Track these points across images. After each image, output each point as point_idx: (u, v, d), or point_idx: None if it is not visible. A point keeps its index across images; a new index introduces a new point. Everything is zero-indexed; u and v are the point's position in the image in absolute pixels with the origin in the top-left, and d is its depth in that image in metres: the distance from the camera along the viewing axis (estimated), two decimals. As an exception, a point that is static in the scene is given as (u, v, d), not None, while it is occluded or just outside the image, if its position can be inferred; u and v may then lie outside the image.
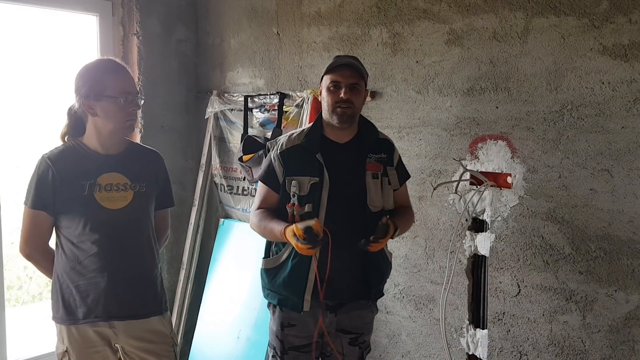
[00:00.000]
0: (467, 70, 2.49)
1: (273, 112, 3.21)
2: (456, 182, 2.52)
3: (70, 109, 2.12)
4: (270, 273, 2.22)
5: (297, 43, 3.13)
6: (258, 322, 3.09)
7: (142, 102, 2.13)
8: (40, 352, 3.27)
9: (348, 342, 2.24)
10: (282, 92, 3.16)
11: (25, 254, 2.13)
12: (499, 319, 2.47)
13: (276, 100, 3.17)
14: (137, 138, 3.41)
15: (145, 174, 2.18)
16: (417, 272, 2.72)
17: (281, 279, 2.17)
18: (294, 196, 2.14)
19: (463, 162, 2.52)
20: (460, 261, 2.56)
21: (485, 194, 2.47)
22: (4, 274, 3.05)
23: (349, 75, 2.13)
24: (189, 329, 3.57)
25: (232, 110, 3.47)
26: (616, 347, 2.18)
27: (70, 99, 2.09)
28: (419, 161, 2.68)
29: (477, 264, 2.58)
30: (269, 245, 2.27)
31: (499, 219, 2.44)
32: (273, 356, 2.26)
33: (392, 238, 2.12)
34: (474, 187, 2.49)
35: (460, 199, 2.55)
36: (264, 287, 2.27)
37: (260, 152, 3.08)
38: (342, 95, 2.11)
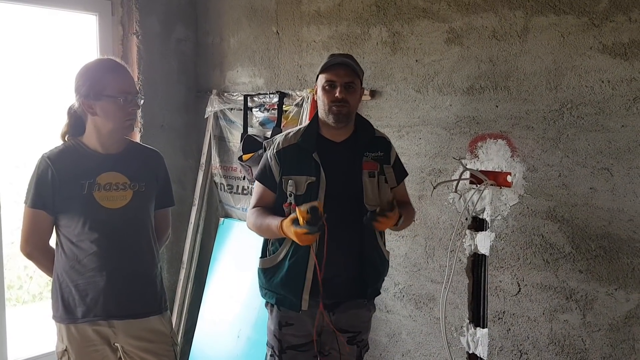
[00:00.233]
0: (466, 69, 2.49)
1: (273, 111, 3.21)
2: (456, 181, 2.51)
3: (70, 109, 2.12)
4: (267, 272, 2.22)
5: (296, 42, 3.13)
6: (258, 321, 3.09)
7: (142, 101, 2.13)
8: (41, 352, 3.28)
9: (346, 341, 2.24)
10: (282, 91, 3.16)
11: (25, 253, 2.13)
12: (499, 318, 2.47)
13: (276, 99, 3.17)
14: (137, 137, 3.41)
15: (145, 174, 2.18)
16: (417, 271, 2.72)
17: (279, 279, 2.17)
18: (290, 195, 2.13)
19: (463, 161, 2.52)
20: (460, 260, 2.56)
21: (485, 192, 2.47)
22: (5, 273, 3.05)
23: (344, 74, 2.13)
24: (189, 328, 3.58)
25: (231, 109, 3.47)
26: (616, 346, 2.18)
27: (70, 99, 2.10)
28: (418, 160, 2.68)
29: (477, 262, 2.58)
30: (265, 245, 2.27)
31: (499, 217, 2.44)
32: (271, 355, 2.26)
33: (396, 225, 2.12)
34: (474, 186, 2.49)
35: (460, 198, 2.55)
36: (261, 287, 2.27)
37: (260, 151, 3.08)
38: (337, 94, 2.11)
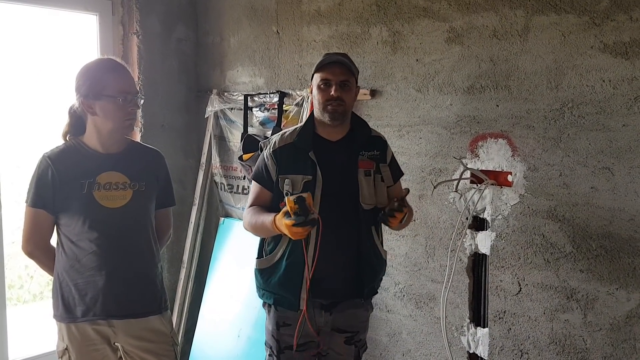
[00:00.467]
0: (467, 69, 2.49)
1: (273, 110, 3.20)
2: (457, 181, 2.51)
3: (71, 108, 2.12)
4: (264, 273, 2.21)
5: (296, 42, 3.13)
6: (259, 320, 3.09)
7: (142, 101, 2.13)
8: (42, 351, 3.28)
9: (344, 341, 2.24)
10: (282, 90, 3.16)
11: (27, 252, 2.14)
12: (499, 318, 2.46)
13: (276, 99, 3.16)
14: (138, 137, 3.41)
15: (145, 173, 2.18)
16: (417, 271, 2.72)
17: (276, 279, 2.16)
18: (287, 195, 2.13)
19: (463, 160, 2.52)
20: (460, 260, 2.56)
21: (485, 192, 2.47)
22: (5, 273, 3.05)
23: (339, 72, 2.13)
24: (189, 327, 3.58)
25: (232, 109, 3.47)
26: (617, 346, 2.17)
27: (71, 98, 2.10)
28: (419, 160, 2.67)
29: (477, 262, 2.57)
30: (262, 245, 2.26)
31: (500, 217, 2.44)
32: (270, 355, 2.26)
33: (401, 222, 2.11)
34: (475, 185, 2.49)
35: (460, 198, 2.55)
36: (258, 287, 2.27)
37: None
38: (332, 92, 2.11)
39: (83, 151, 2.09)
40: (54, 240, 2.16)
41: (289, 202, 1.92)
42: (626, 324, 2.15)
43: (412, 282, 2.74)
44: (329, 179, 2.14)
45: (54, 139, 2.17)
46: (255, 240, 2.31)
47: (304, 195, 1.92)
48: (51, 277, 2.17)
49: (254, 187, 2.27)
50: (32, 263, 2.21)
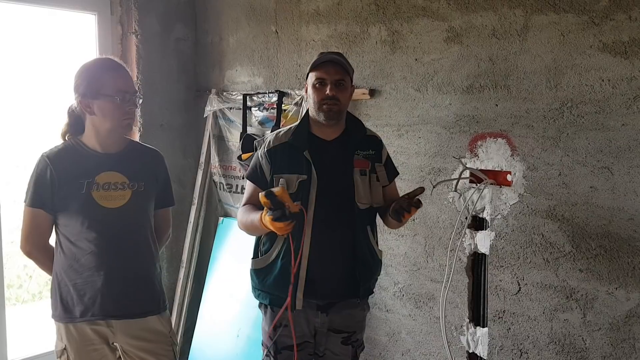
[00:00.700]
0: (466, 68, 2.49)
1: (272, 110, 3.20)
2: (456, 180, 2.51)
3: (69, 108, 2.12)
4: (260, 273, 2.21)
5: (295, 41, 3.13)
6: (258, 320, 3.07)
7: (140, 101, 2.13)
8: (41, 351, 3.27)
9: (340, 341, 2.24)
10: (281, 90, 3.16)
11: (25, 252, 2.13)
12: (499, 317, 2.46)
13: (275, 98, 3.16)
14: (137, 137, 3.41)
15: (144, 173, 2.17)
16: (417, 270, 2.72)
17: (272, 279, 2.16)
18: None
19: (463, 160, 2.52)
20: (460, 259, 2.55)
21: (485, 191, 2.46)
22: (4, 272, 3.05)
23: (334, 71, 2.12)
24: (188, 327, 3.58)
25: (231, 108, 3.47)
26: (617, 345, 2.17)
27: (70, 98, 2.09)
28: (418, 159, 2.67)
29: (477, 262, 2.57)
30: (257, 245, 2.26)
31: (499, 216, 2.44)
32: (267, 356, 2.25)
33: (400, 222, 2.10)
34: (474, 185, 2.49)
35: (460, 197, 2.54)
36: (254, 288, 2.26)
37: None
38: (327, 92, 2.11)
39: (82, 151, 2.09)
40: (52, 240, 2.15)
41: (261, 197, 1.91)
42: (625, 323, 2.15)
43: (412, 281, 2.74)
44: (324, 178, 2.14)
45: (53, 139, 2.16)
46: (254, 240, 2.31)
47: (274, 190, 1.91)
48: (50, 277, 2.17)
49: (248, 186, 2.26)
50: (31, 263, 2.20)
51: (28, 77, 5.03)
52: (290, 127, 2.25)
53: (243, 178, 3.42)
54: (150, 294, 2.17)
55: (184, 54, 3.64)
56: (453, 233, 2.54)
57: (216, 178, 3.63)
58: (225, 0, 3.48)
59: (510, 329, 2.44)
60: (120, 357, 2.15)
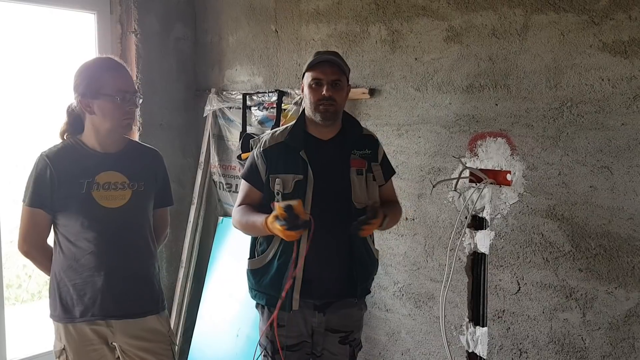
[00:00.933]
0: (466, 68, 2.49)
1: (272, 110, 3.20)
2: (455, 180, 2.51)
3: (69, 107, 2.12)
4: (256, 274, 2.21)
5: (295, 40, 3.12)
6: (257, 320, 3.08)
7: (140, 100, 2.12)
8: (40, 351, 3.27)
9: (338, 340, 2.24)
10: (281, 89, 3.15)
11: (23, 252, 2.13)
12: (498, 317, 2.46)
13: (275, 98, 3.16)
14: (136, 136, 3.40)
15: (144, 173, 2.17)
16: (416, 270, 2.72)
17: (268, 279, 2.16)
18: (278, 194, 2.13)
19: (462, 159, 2.52)
20: (459, 259, 2.55)
21: (484, 191, 2.46)
22: (3, 272, 3.05)
23: (330, 72, 2.12)
24: (188, 327, 3.57)
25: (230, 108, 3.47)
26: (616, 345, 2.17)
27: (69, 97, 2.09)
28: (418, 159, 2.67)
29: (476, 261, 2.57)
30: (253, 245, 2.26)
31: (499, 216, 2.43)
32: (264, 356, 2.25)
33: (381, 226, 2.12)
34: (474, 184, 2.49)
35: (459, 197, 2.54)
36: (251, 288, 2.26)
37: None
38: (324, 92, 2.10)
39: (81, 150, 2.08)
40: (50, 240, 2.15)
41: (278, 209, 1.94)
42: (625, 323, 2.15)
43: (411, 281, 2.74)
44: (320, 178, 2.14)
45: (52, 138, 2.16)
46: (254, 240, 2.31)
47: (293, 203, 1.94)
48: (48, 277, 2.17)
49: (243, 186, 2.26)
50: (30, 262, 2.20)
51: (27, 76, 5.03)
52: (287, 127, 2.25)
53: (242, 178, 3.41)
54: (150, 294, 2.17)
55: (183, 54, 3.64)
56: (453, 232, 2.54)
57: (216, 177, 3.63)
58: (225, -1, 3.49)
59: (509, 328, 2.43)
60: (119, 357, 2.15)
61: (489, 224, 2.48)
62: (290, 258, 2.11)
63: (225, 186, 3.56)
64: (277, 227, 1.96)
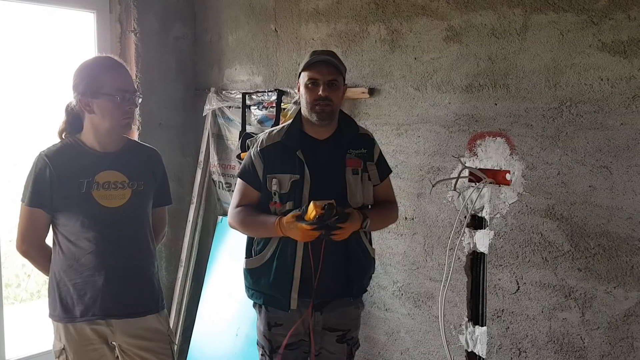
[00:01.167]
0: (465, 67, 2.49)
1: (271, 109, 3.20)
2: (455, 179, 2.51)
3: (68, 106, 2.11)
4: (254, 273, 2.21)
5: (295, 40, 3.12)
6: (256, 319, 3.09)
7: (140, 100, 2.12)
8: (39, 350, 3.27)
9: (335, 339, 2.24)
10: (280, 89, 3.15)
11: (22, 252, 2.13)
12: (498, 316, 2.47)
13: (274, 97, 3.16)
14: (135, 135, 3.40)
15: (143, 172, 2.17)
16: (415, 270, 2.72)
17: (266, 279, 2.16)
18: (275, 194, 2.13)
19: (462, 159, 2.52)
20: (459, 258, 2.55)
21: (484, 191, 2.47)
22: (2, 271, 3.04)
23: (326, 71, 2.11)
24: (187, 326, 3.57)
25: (230, 107, 3.46)
26: (615, 344, 2.18)
27: (68, 96, 2.09)
28: (417, 158, 2.67)
29: (476, 261, 2.57)
30: (250, 245, 2.26)
31: (498, 216, 2.44)
32: (262, 355, 2.26)
33: (362, 228, 2.12)
34: (473, 184, 2.49)
35: (459, 196, 2.54)
36: (247, 288, 2.27)
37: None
38: (320, 92, 2.10)
39: (81, 149, 2.08)
40: (49, 240, 2.15)
41: (315, 206, 1.94)
42: (624, 322, 2.15)
43: (411, 280, 2.74)
44: (316, 177, 2.14)
45: (51, 137, 2.16)
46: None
47: (333, 202, 1.96)
48: (47, 277, 2.16)
49: (240, 185, 2.25)
50: (28, 262, 2.19)
51: (26, 75, 5.02)
52: (283, 126, 2.25)
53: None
54: (150, 293, 2.17)
55: (183, 53, 3.64)
56: (452, 232, 2.54)
57: (215, 177, 3.62)
58: (224, -2, 3.48)
59: (509, 327, 2.44)
60: (118, 356, 2.15)
61: (488, 223, 2.48)
62: (288, 259, 2.12)
63: (224, 185, 3.56)
64: (297, 227, 1.98)
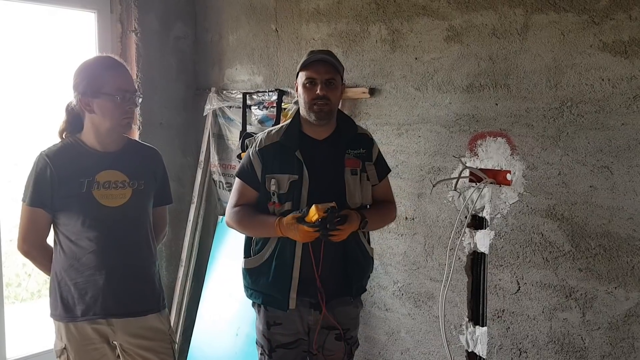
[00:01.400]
0: (466, 67, 2.49)
1: (272, 109, 3.20)
2: (455, 179, 2.51)
3: (68, 106, 2.11)
4: (252, 273, 2.21)
5: (295, 40, 3.12)
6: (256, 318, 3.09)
7: (140, 100, 2.12)
8: (39, 350, 3.27)
9: (334, 338, 2.24)
10: (281, 89, 3.15)
11: (23, 251, 2.13)
12: (498, 316, 2.46)
13: (275, 97, 3.16)
14: (136, 135, 3.40)
15: (143, 172, 2.17)
16: (416, 270, 2.72)
17: (265, 279, 2.17)
18: (273, 194, 2.13)
19: (462, 159, 2.52)
20: (459, 258, 2.55)
21: (484, 191, 2.46)
22: (3, 271, 3.04)
23: (324, 71, 2.11)
24: (187, 326, 3.57)
25: (230, 107, 3.47)
26: (616, 345, 2.17)
27: (69, 96, 2.09)
28: (418, 158, 2.67)
29: (476, 261, 2.57)
30: (248, 244, 2.26)
31: (499, 216, 2.44)
32: (261, 354, 2.26)
33: (360, 229, 2.12)
34: (474, 184, 2.49)
35: (459, 196, 2.54)
36: (246, 287, 2.27)
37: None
38: (318, 91, 2.10)
39: (81, 149, 2.08)
40: (50, 239, 2.15)
41: (317, 210, 1.95)
42: (625, 322, 2.15)
43: (411, 280, 2.74)
44: (315, 178, 2.14)
45: (52, 137, 2.16)
46: (254, 239, 2.31)
47: (334, 205, 1.97)
48: (48, 276, 2.16)
49: (238, 185, 2.25)
50: (29, 261, 2.20)
51: (27, 75, 5.02)
52: (282, 126, 2.25)
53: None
54: (151, 292, 2.17)
55: (183, 53, 3.64)
56: (452, 232, 2.54)
57: (215, 177, 3.63)
58: (225, -2, 3.48)
59: (509, 328, 2.44)
60: (119, 355, 2.15)
61: (489, 223, 2.48)
62: (287, 259, 2.12)
63: (225, 185, 3.56)
64: (298, 228, 1.99)
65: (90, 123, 2.06)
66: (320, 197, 2.09)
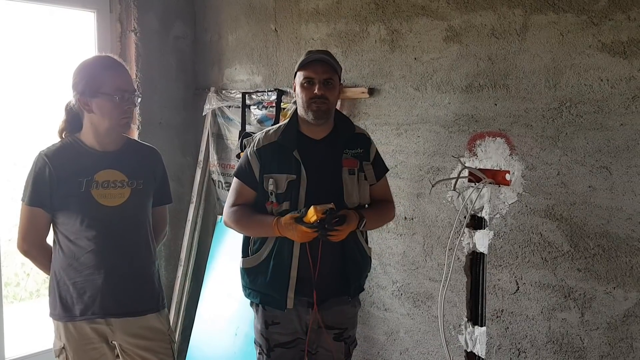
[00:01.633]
0: (465, 67, 2.49)
1: (271, 109, 3.20)
2: (454, 179, 2.51)
3: (67, 105, 2.12)
4: (250, 272, 2.22)
5: (294, 40, 3.12)
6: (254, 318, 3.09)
7: (139, 99, 2.12)
8: (38, 349, 3.27)
9: (333, 337, 2.24)
10: (280, 89, 3.15)
11: (22, 251, 2.13)
12: (497, 316, 2.47)
13: (274, 97, 3.16)
14: (135, 135, 3.40)
15: (142, 171, 2.17)
16: (415, 270, 2.72)
17: (263, 278, 2.17)
18: (271, 194, 2.13)
19: (461, 159, 2.52)
20: (458, 258, 2.56)
21: (483, 191, 2.47)
22: (2, 270, 3.04)
23: (321, 70, 2.12)
24: (186, 325, 3.58)
25: (229, 107, 3.47)
26: (614, 345, 2.18)
27: (68, 96, 2.09)
28: (417, 158, 2.67)
29: (475, 261, 2.57)
30: (246, 244, 2.26)
31: (498, 216, 2.44)
32: (259, 353, 2.27)
33: (358, 229, 2.13)
34: (473, 184, 2.49)
35: (458, 196, 2.55)
36: (244, 287, 2.27)
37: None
38: (316, 91, 2.10)
39: (80, 149, 2.08)
40: (49, 239, 2.15)
41: (316, 211, 1.96)
42: (623, 323, 2.15)
43: (410, 280, 2.74)
44: (313, 178, 2.14)
45: (51, 137, 2.16)
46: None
47: (332, 206, 1.97)
48: (47, 276, 2.17)
49: (236, 185, 2.26)
50: (28, 261, 2.20)
51: (26, 74, 5.02)
52: (280, 126, 2.25)
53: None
54: (150, 292, 2.18)
55: (183, 52, 3.64)
56: (452, 232, 2.54)
57: (215, 176, 3.63)
58: (225, -2, 3.48)
59: (508, 328, 2.44)
60: (118, 355, 2.15)
61: (488, 223, 2.48)
62: (285, 258, 2.12)
63: (224, 185, 3.57)
64: (296, 228, 2.00)
65: (89, 123, 2.06)
66: (318, 196, 2.09)
